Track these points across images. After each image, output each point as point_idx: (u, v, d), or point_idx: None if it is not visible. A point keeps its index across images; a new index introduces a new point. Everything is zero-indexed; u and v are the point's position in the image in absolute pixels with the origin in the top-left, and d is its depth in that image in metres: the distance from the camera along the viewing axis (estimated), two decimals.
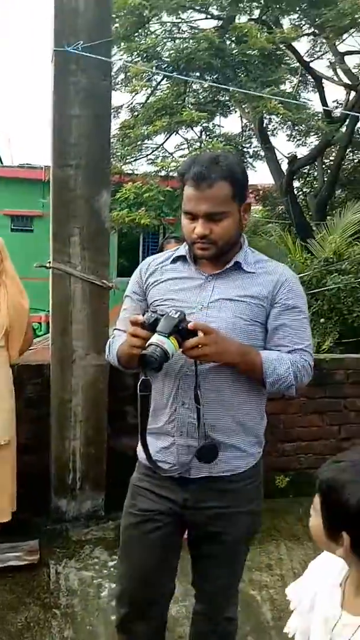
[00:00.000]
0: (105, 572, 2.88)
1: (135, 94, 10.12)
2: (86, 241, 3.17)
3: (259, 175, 22.09)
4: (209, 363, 1.60)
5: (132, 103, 10.59)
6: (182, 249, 1.78)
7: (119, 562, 1.94)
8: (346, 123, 10.02)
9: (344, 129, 10.13)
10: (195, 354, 1.54)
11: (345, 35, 9.65)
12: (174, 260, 1.78)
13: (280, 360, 1.65)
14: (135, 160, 10.21)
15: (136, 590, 1.82)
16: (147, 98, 10.18)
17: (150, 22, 9.79)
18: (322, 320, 6.68)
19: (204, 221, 1.62)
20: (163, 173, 9.44)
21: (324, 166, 11.41)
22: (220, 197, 1.61)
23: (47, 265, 3.21)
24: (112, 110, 9.04)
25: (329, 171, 10.99)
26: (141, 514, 1.78)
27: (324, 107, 9.99)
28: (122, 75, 10.26)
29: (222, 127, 11.32)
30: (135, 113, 10.31)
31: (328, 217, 8.67)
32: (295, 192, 11.07)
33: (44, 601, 2.63)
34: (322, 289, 6.59)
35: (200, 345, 1.52)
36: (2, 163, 18.53)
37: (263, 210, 12.37)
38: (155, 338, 1.51)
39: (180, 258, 1.78)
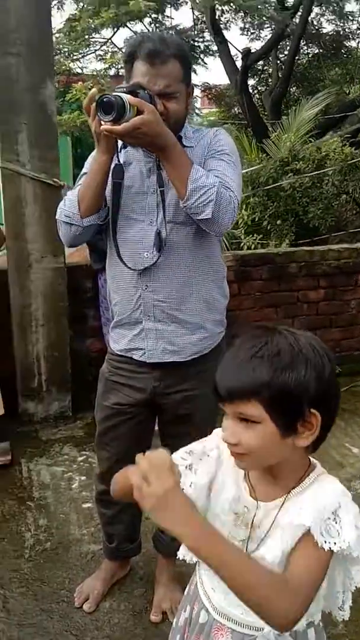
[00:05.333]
0: (75, 466, 2.98)
1: None
2: (34, 137, 3.03)
3: (213, 74, 21.28)
4: (145, 140, 1.52)
5: None
6: None
7: (96, 449, 2.05)
8: (300, 13, 9.55)
9: (297, 20, 9.66)
10: (135, 123, 1.47)
11: None
12: (124, 145, 1.73)
13: (209, 175, 1.61)
14: (83, 56, 9.57)
15: (112, 470, 1.90)
16: None
17: None
18: (278, 222, 6.68)
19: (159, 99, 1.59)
20: (113, 71, 8.92)
21: (278, 62, 10.97)
22: (173, 74, 1.60)
23: None
24: (56, 1, 8.35)
25: (283, 67, 10.59)
26: (115, 408, 1.88)
27: None
28: None
29: (173, 19, 10.66)
30: (81, 4, 9.55)
31: (284, 117, 8.44)
32: (251, 91, 10.65)
33: (18, 495, 2.73)
34: (278, 184, 6.51)
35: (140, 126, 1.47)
36: None
37: (219, 111, 11.96)
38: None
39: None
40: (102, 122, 1.48)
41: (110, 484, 1.97)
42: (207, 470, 1.11)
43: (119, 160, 1.64)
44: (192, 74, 1.72)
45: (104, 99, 1.45)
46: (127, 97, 1.45)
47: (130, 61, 1.61)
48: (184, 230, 1.70)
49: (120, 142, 1.62)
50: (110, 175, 1.65)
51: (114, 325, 1.88)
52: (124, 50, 1.67)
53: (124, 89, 1.50)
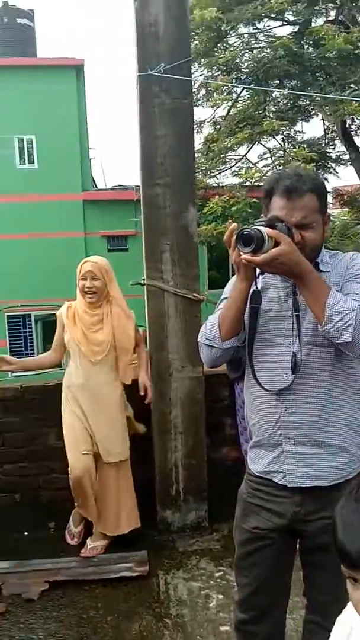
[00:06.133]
0: (212, 582, 2.90)
1: (217, 107, 10.23)
2: (177, 256, 3.26)
3: (343, 175, 21.63)
4: (282, 269, 1.58)
5: (214, 117, 10.70)
6: None
7: (236, 574, 1.98)
8: None
9: None
10: (274, 254, 1.54)
11: None
12: (262, 272, 1.80)
13: (347, 299, 1.61)
14: (220, 173, 10.29)
15: (254, 598, 1.88)
16: (229, 111, 10.25)
17: (228, 36, 9.89)
18: None
19: (296, 229, 1.66)
20: (248, 184, 9.45)
21: None
22: (309, 207, 1.68)
23: (142, 282, 3.32)
24: (195, 126, 9.20)
25: None
26: (254, 532, 1.83)
27: None
28: (203, 91, 10.40)
29: (304, 133, 11.19)
30: (218, 126, 10.40)
31: None
32: None
33: (155, 611, 2.69)
34: None
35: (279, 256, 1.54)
36: (97, 187, 19.38)
37: (350, 212, 12.04)
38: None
39: None
40: (242, 253, 1.58)
41: (250, 613, 1.90)
42: None
43: (257, 287, 1.72)
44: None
45: (244, 232, 1.55)
46: (265, 230, 1.55)
47: (268, 196, 1.72)
48: (323, 353, 1.70)
49: (258, 269, 1.71)
50: (248, 300, 1.73)
51: (252, 445, 1.87)
52: (262, 184, 1.79)
53: (263, 223, 1.61)
